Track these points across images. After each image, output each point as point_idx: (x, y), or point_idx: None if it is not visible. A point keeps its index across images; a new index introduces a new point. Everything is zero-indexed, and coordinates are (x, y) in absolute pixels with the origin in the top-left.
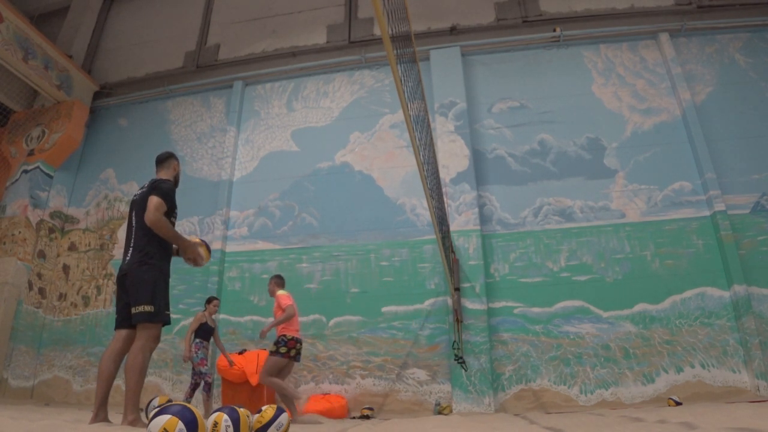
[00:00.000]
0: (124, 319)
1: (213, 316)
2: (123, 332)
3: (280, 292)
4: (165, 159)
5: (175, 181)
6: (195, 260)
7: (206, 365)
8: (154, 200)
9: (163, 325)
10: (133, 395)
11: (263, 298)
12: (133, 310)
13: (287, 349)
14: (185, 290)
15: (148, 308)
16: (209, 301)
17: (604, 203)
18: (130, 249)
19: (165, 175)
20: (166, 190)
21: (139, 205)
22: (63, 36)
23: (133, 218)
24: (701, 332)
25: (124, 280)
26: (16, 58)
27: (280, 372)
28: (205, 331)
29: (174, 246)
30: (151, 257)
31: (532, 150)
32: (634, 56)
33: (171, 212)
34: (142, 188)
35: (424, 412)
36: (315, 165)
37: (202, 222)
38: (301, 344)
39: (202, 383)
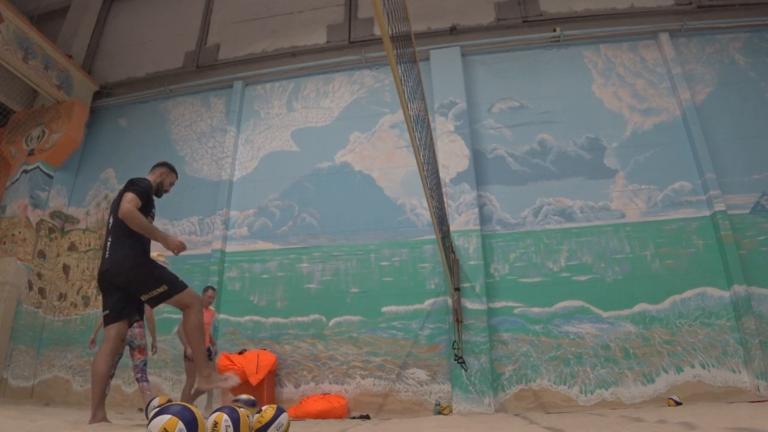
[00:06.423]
0: (120, 312)
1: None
2: (113, 329)
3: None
4: (154, 166)
5: (158, 188)
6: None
7: None
8: (128, 195)
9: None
10: (200, 354)
11: (263, 298)
12: (144, 297)
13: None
14: None
15: (161, 289)
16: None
17: (604, 203)
18: (109, 245)
19: (149, 177)
20: (141, 186)
21: (116, 203)
22: (63, 36)
23: (111, 219)
24: (701, 332)
25: (107, 276)
26: (16, 58)
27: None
28: None
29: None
30: (133, 248)
31: (532, 150)
32: (634, 56)
33: (147, 211)
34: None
35: (424, 412)
36: (315, 165)
37: (202, 222)
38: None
39: None
